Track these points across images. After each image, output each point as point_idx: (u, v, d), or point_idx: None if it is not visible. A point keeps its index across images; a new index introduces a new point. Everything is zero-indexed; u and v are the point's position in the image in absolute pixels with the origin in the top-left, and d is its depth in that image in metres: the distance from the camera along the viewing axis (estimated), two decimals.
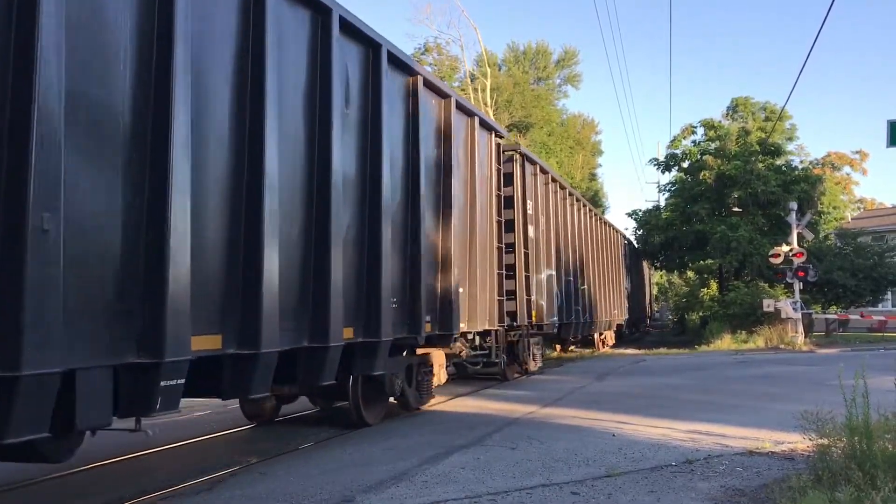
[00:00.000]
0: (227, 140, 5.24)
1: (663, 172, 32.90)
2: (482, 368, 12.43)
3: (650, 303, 46.79)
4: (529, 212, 13.51)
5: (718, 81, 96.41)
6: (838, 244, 29.05)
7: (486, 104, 38.51)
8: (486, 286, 10.71)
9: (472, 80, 40.13)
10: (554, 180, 15.89)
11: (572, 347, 22.20)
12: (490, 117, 11.18)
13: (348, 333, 6.70)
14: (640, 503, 4.76)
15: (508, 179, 12.71)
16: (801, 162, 34.97)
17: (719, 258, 27.10)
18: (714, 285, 35.52)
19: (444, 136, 9.28)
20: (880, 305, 30.64)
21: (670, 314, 54.37)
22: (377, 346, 7.21)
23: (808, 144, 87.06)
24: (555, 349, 21.18)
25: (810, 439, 5.24)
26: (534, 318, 13.48)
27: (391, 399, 8.85)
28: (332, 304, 6.26)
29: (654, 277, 53.28)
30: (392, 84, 7.85)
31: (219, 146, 5.15)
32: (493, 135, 11.55)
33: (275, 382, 5.74)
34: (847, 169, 47.90)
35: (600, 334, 23.33)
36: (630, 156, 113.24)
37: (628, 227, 44.32)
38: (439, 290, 8.94)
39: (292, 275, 5.96)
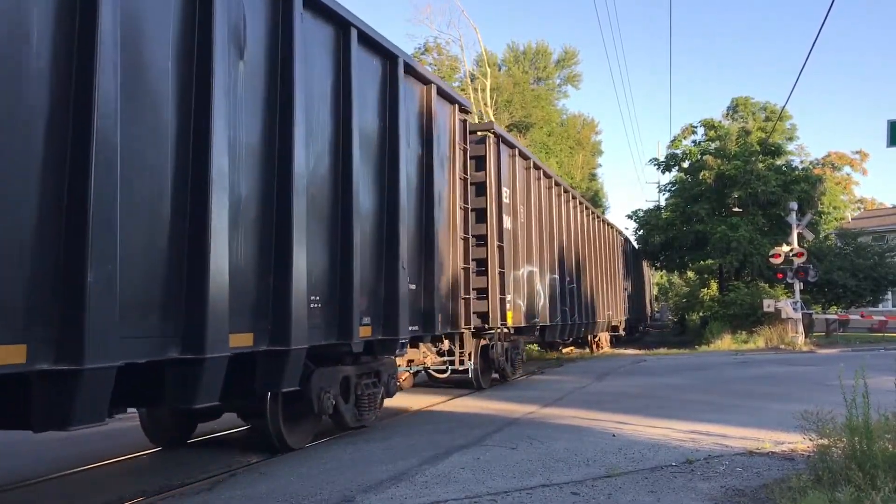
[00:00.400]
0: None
1: (663, 172, 32.95)
2: (452, 376, 11.36)
3: (650, 303, 46.79)
4: (506, 200, 12.06)
5: (718, 81, 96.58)
6: (838, 244, 29.06)
7: (486, 104, 38.52)
8: (448, 283, 9.39)
9: (472, 80, 40.11)
10: (537, 167, 14.45)
11: (571, 348, 22.11)
12: (452, 88, 9.55)
13: (244, 340, 5.36)
14: (641, 503, 4.76)
15: (481, 164, 11.43)
16: (802, 162, 35.08)
17: (719, 258, 27.11)
18: (714, 285, 35.52)
19: (390, 104, 7.83)
20: (880, 305, 30.64)
21: (670, 314, 54.39)
22: (285, 357, 5.76)
23: (808, 144, 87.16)
24: (553, 351, 21.06)
25: (810, 439, 5.23)
26: (509, 320, 11.95)
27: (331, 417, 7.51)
28: (212, 302, 4.80)
29: (655, 277, 53.29)
30: (313, 33, 6.41)
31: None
32: (457, 109, 9.96)
33: (132, 404, 5.23)
34: (847, 169, 47.97)
35: (594, 336, 22.14)
36: (630, 156, 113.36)
37: (628, 227, 44.30)
38: (383, 287, 7.52)
39: (151, 261, 4.58)
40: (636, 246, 33.06)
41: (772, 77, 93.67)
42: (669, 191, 32.59)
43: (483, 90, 39.59)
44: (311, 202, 6.21)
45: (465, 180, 10.18)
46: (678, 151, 32.27)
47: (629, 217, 35.16)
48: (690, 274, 39.70)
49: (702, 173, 28.56)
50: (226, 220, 5.01)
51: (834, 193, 40.40)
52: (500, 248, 11.66)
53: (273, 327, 5.65)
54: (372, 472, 5.85)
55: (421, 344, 9.84)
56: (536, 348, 20.86)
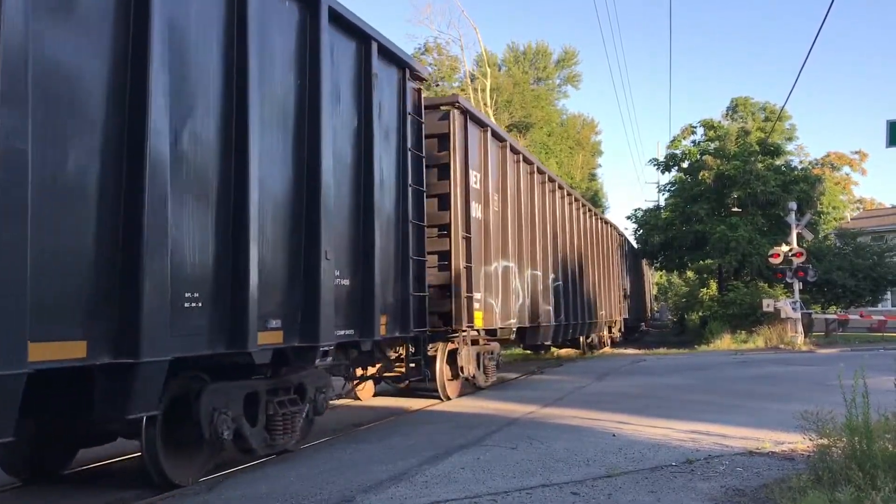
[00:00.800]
0: None
1: (663, 172, 32.97)
2: (416, 383, 10.05)
3: (650, 303, 46.81)
4: (475, 185, 10.65)
5: (718, 81, 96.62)
6: (838, 244, 29.10)
7: (486, 104, 38.53)
8: (395, 278, 7.97)
9: (472, 81, 40.14)
10: (515, 151, 13.00)
11: (568, 350, 21.51)
12: (400, 49, 8.26)
13: (71, 351, 4.12)
14: (641, 503, 4.76)
15: (445, 143, 10.15)
16: (801, 162, 35.14)
17: (719, 258, 27.15)
18: (714, 285, 35.55)
19: (310, 60, 6.45)
20: (880, 305, 30.67)
21: (670, 314, 54.42)
22: (133, 371, 4.45)
23: (807, 144, 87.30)
24: (546, 353, 20.27)
25: (810, 439, 5.24)
26: (478, 322, 10.54)
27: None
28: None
29: (654, 277, 53.31)
30: None
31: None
32: (408, 74, 8.54)
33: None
34: (846, 169, 48.03)
35: (587, 337, 20.53)
36: (630, 156, 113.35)
37: (628, 228, 44.32)
38: (301, 283, 6.20)
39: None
40: (636, 246, 33.08)
41: (772, 77, 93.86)
42: (669, 191, 32.63)
43: (483, 90, 39.61)
44: (181, 174, 4.95)
45: (419, 158, 8.78)
46: (678, 151, 32.30)
47: (629, 218, 35.25)
48: (690, 274, 39.74)
49: (701, 173, 28.59)
50: (53, 200, 4.05)
51: (833, 193, 40.41)
52: (467, 240, 10.30)
53: (118, 334, 4.40)
54: (372, 472, 5.85)
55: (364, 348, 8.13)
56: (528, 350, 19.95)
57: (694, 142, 32.17)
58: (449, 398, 10.53)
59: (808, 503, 4.13)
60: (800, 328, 22.25)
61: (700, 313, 34.74)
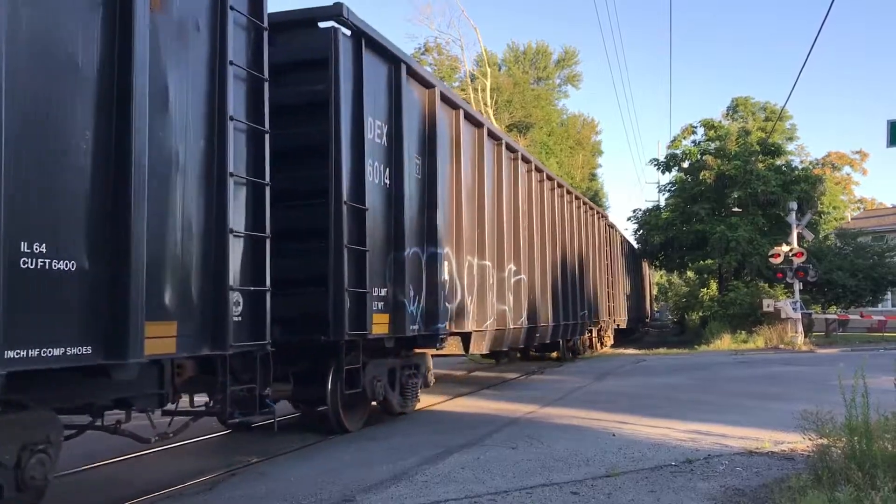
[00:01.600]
0: None
1: (663, 172, 32.98)
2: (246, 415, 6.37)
3: (650, 303, 46.83)
4: (375, 139, 7.77)
5: (718, 81, 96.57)
6: (838, 244, 29.11)
7: (486, 104, 38.55)
8: (199, 261, 5.15)
9: (472, 80, 40.16)
10: (453, 104, 9.93)
11: (556, 353, 19.02)
12: None
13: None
14: (641, 503, 4.76)
15: (323, 74, 7.17)
16: (801, 162, 35.16)
17: (719, 258, 27.18)
18: (714, 285, 35.56)
19: None
20: (880, 305, 30.68)
21: (670, 314, 54.42)
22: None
23: (808, 144, 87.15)
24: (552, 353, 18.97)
25: (810, 439, 5.24)
26: (379, 328, 7.67)
27: None
28: None
29: (654, 277, 53.33)
30: None
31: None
32: None
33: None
34: (847, 169, 48.08)
35: (570, 341, 17.98)
36: (630, 156, 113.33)
37: (627, 229, 44.33)
38: None
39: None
40: (636, 246, 33.09)
41: (772, 77, 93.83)
42: (669, 191, 32.64)
43: (483, 90, 39.63)
44: None
45: (257, 82, 5.84)
46: (678, 151, 32.30)
47: (629, 220, 35.26)
48: (690, 274, 39.75)
49: (702, 173, 28.60)
50: None
51: (834, 193, 40.45)
52: (355, 212, 7.33)
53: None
54: (372, 471, 5.85)
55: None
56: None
57: (694, 142, 32.19)
58: (348, 430, 7.78)
59: (808, 503, 4.13)
60: (800, 328, 22.25)
61: (700, 313, 34.76)
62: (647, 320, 43.19)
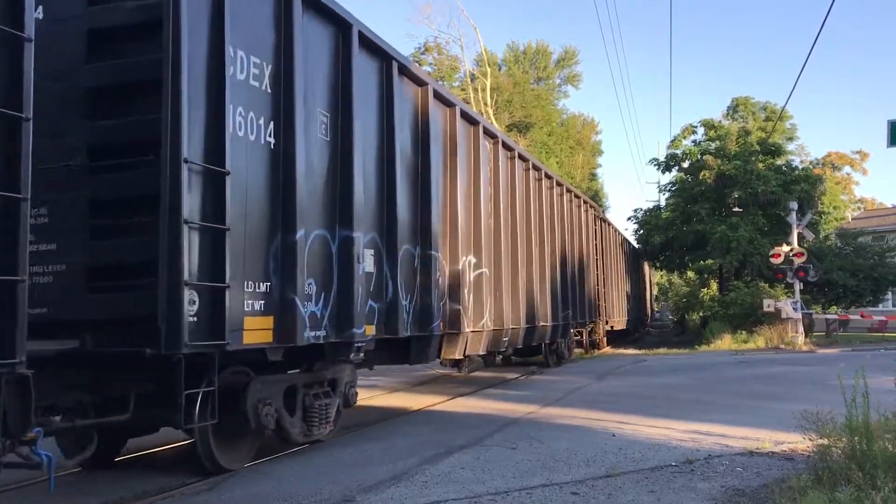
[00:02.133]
0: None
1: (663, 172, 32.96)
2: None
3: (650, 303, 46.84)
4: (250, 80, 5.73)
5: (718, 81, 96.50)
6: (838, 244, 29.11)
7: (486, 104, 38.55)
8: None
9: (472, 80, 40.14)
10: (381, 54, 7.82)
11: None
12: None
13: None
14: (641, 503, 4.76)
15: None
16: (802, 162, 35.21)
17: (719, 258, 27.15)
18: (714, 285, 35.55)
19: None
20: (880, 305, 30.64)
21: (670, 314, 54.43)
22: None
23: (808, 144, 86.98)
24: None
25: (810, 439, 5.24)
26: (256, 336, 5.63)
27: None
28: None
29: (655, 277, 53.34)
30: None
31: None
32: None
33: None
34: (847, 169, 48.09)
35: (551, 343, 15.78)
36: (630, 156, 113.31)
37: (628, 228, 44.33)
38: None
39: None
40: (636, 246, 33.09)
41: (772, 77, 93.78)
42: (669, 191, 32.62)
43: (483, 90, 39.62)
44: None
45: None
46: (678, 151, 32.29)
47: (629, 220, 35.26)
48: (690, 274, 39.73)
49: (702, 173, 28.59)
50: None
51: (834, 193, 40.45)
52: (213, 177, 5.25)
53: None
54: (372, 471, 5.85)
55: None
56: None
57: (694, 141, 32.17)
58: (224, 469, 6.01)
59: (808, 503, 4.13)
60: (800, 328, 22.24)
61: (700, 313, 34.74)
62: (648, 320, 43.19)
